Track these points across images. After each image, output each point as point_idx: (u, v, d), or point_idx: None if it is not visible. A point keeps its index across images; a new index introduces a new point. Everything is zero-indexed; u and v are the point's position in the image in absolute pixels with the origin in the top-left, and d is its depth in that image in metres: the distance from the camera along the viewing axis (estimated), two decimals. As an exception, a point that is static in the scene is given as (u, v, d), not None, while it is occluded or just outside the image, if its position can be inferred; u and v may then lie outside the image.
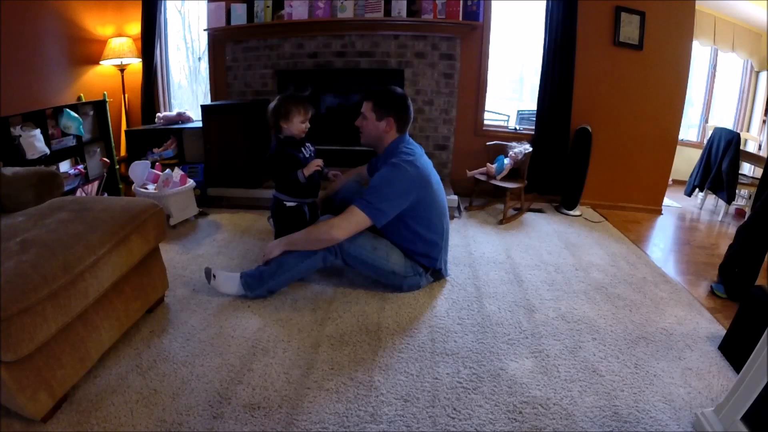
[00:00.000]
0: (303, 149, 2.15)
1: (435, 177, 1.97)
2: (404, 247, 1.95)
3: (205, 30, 3.44)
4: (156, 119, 3.61)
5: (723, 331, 1.73)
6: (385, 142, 1.96)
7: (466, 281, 2.14)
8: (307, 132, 2.15)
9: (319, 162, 2.09)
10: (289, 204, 2.15)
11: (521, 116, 3.97)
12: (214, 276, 1.90)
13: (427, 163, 1.95)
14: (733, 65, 4.86)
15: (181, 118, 3.57)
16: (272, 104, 2.07)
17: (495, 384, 1.43)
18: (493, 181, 3.09)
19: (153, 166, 2.92)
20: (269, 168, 2.12)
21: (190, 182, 2.85)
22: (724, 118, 4.98)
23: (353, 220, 1.79)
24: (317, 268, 1.92)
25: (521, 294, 2.03)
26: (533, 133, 3.42)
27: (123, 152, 3.67)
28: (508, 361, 1.55)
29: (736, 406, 1.16)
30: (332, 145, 3.55)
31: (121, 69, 3.72)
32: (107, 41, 3.63)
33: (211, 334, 1.65)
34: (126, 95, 3.82)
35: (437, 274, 2.07)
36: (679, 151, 3.63)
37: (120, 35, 3.70)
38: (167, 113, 3.61)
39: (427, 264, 2.00)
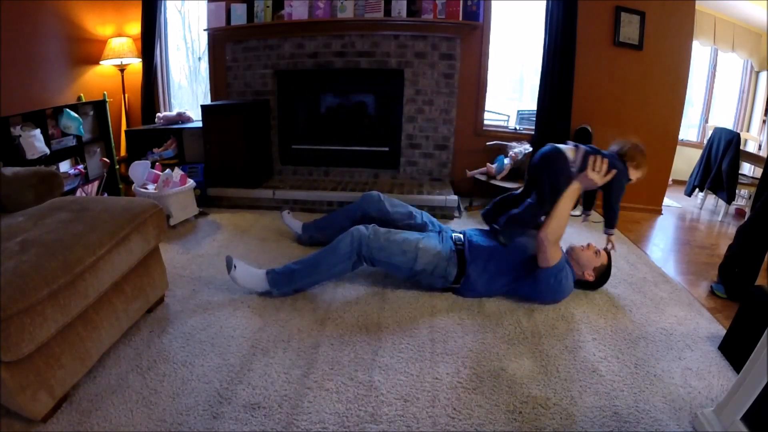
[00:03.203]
0: None
1: None
2: (489, 277, 1.93)
3: (205, 30, 3.44)
4: (156, 119, 3.61)
5: (723, 331, 1.73)
6: (573, 267, 1.99)
7: (466, 281, 2.13)
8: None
9: None
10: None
11: (521, 116, 3.96)
12: (235, 267, 1.88)
13: None
14: (733, 65, 4.86)
15: (181, 118, 3.57)
16: (641, 147, 1.99)
17: (495, 384, 1.43)
18: (493, 181, 3.09)
19: (153, 166, 2.92)
20: (617, 178, 1.92)
21: (190, 182, 2.85)
22: (724, 118, 4.98)
23: (556, 254, 1.84)
24: (346, 274, 1.98)
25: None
26: (533, 133, 3.42)
27: (123, 152, 3.67)
28: (508, 361, 1.55)
29: (736, 406, 1.16)
30: (332, 145, 3.56)
31: (121, 69, 3.72)
32: (107, 41, 3.62)
33: (211, 334, 1.65)
34: (126, 95, 3.82)
35: (452, 290, 2.02)
36: (679, 151, 3.63)
37: (120, 35, 3.69)
38: (167, 113, 3.61)
39: (464, 286, 1.96)
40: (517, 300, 1.97)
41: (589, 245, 2.05)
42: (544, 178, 1.87)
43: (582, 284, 2.04)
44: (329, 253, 1.91)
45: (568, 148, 1.90)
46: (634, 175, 1.97)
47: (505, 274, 1.94)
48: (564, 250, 1.95)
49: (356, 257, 1.90)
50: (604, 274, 2.03)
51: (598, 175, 1.82)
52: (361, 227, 1.94)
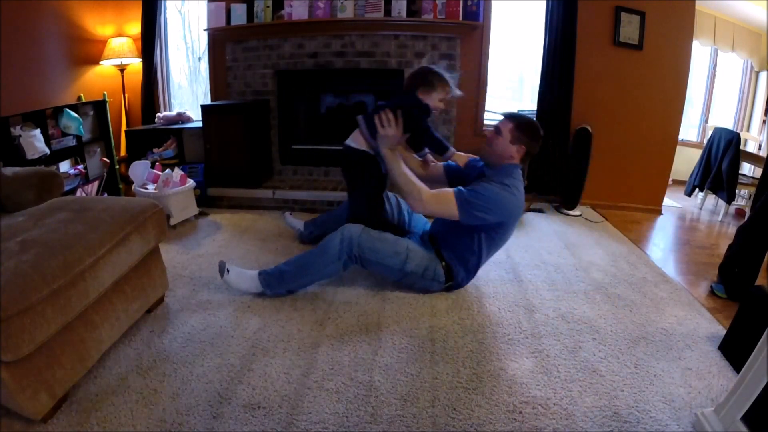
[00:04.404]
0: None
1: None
2: (460, 254, 1.95)
3: (205, 30, 3.44)
4: (156, 119, 3.61)
5: (723, 331, 1.73)
6: (503, 162, 1.92)
7: (466, 281, 2.13)
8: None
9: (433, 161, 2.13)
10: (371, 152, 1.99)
11: (521, 116, 3.96)
12: (228, 271, 1.89)
13: (523, 194, 1.95)
14: (733, 65, 4.86)
15: (181, 118, 3.57)
16: (418, 70, 1.93)
17: (495, 384, 1.43)
18: (493, 181, 3.08)
19: (153, 166, 2.92)
20: (407, 115, 1.85)
21: (190, 182, 2.85)
22: (724, 118, 4.98)
23: (443, 206, 1.80)
24: (338, 274, 1.95)
25: (521, 294, 2.03)
26: (533, 133, 3.42)
27: (123, 152, 3.67)
28: (508, 361, 1.55)
29: (736, 406, 1.16)
30: (331, 145, 3.55)
31: (121, 69, 3.72)
32: (107, 41, 3.62)
33: (211, 334, 1.65)
34: (126, 95, 3.81)
35: (450, 288, 2.03)
36: (679, 151, 3.62)
37: (120, 35, 3.69)
38: (167, 113, 3.61)
39: (458, 277, 1.97)
40: (517, 300, 1.97)
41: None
42: (353, 176, 1.94)
43: (529, 160, 1.96)
44: (319, 254, 1.87)
45: (353, 136, 1.93)
46: (432, 98, 1.88)
47: (469, 234, 1.90)
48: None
49: (346, 257, 1.85)
50: (528, 131, 1.86)
51: (390, 128, 1.78)
52: (352, 226, 1.89)
